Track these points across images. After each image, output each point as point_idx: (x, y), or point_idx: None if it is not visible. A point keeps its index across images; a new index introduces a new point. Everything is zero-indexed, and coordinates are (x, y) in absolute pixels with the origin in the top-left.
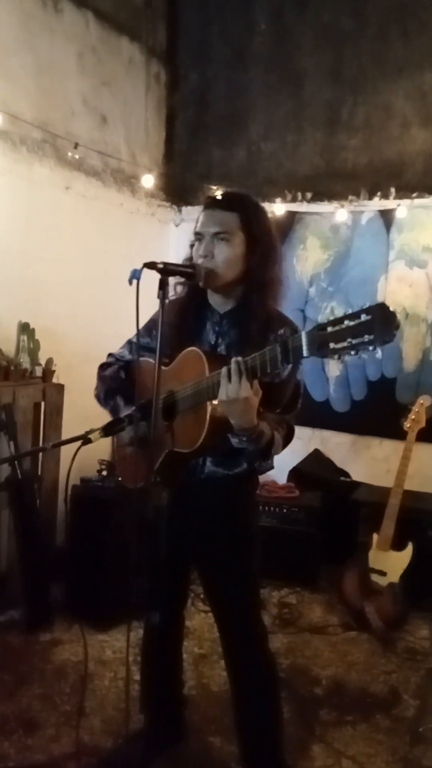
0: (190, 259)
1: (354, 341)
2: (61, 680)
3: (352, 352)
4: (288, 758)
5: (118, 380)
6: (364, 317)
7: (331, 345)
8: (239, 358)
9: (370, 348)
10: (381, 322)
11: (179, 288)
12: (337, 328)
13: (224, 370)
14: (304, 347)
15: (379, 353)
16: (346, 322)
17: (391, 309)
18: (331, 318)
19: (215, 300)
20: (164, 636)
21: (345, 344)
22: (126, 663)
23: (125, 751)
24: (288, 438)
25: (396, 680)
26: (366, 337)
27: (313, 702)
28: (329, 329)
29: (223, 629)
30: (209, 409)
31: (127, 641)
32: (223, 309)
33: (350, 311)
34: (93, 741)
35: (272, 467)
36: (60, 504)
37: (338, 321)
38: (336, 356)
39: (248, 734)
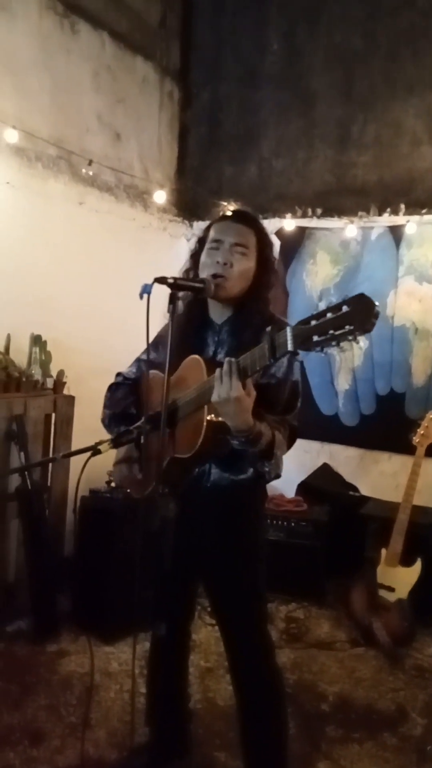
0: (189, 269)
1: (336, 332)
2: (67, 691)
3: (334, 343)
4: None
5: (121, 405)
6: (345, 308)
7: (315, 338)
8: (231, 359)
9: (350, 338)
10: (361, 312)
11: (180, 303)
12: (320, 321)
13: (217, 372)
14: (289, 342)
15: (362, 343)
16: (329, 315)
17: (372, 299)
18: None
19: (214, 311)
20: (171, 649)
21: (327, 336)
22: (132, 675)
23: (130, 764)
24: (292, 438)
25: (403, 698)
26: (347, 327)
27: (320, 718)
28: (313, 323)
29: (229, 643)
30: (206, 412)
31: (133, 653)
32: (221, 319)
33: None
34: (98, 753)
35: (279, 475)
36: (69, 515)
37: (321, 314)
38: (319, 349)
39: (253, 749)
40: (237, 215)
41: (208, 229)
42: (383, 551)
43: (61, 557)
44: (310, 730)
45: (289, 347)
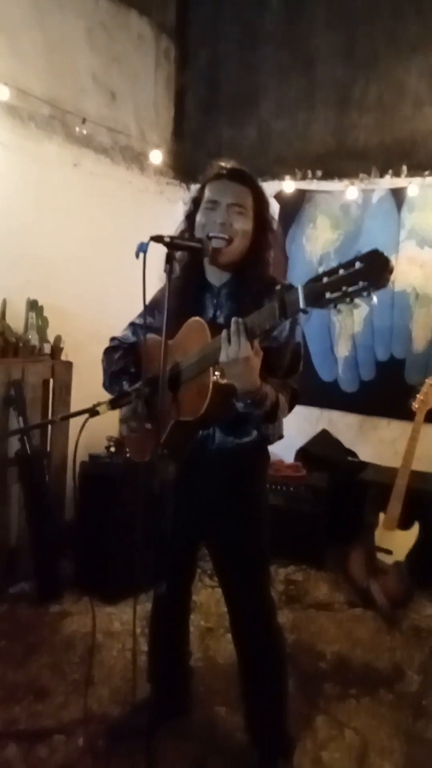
0: (185, 231)
1: (349, 289)
2: (70, 651)
3: (347, 300)
4: (292, 729)
5: (120, 363)
6: (358, 265)
7: (327, 295)
8: (239, 318)
9: (365, 294)
10: (375, 268)
11: (176, 266)
12: (332, 278)
13: (224, 332)
14: (301, 300)
15: (374, 299)
16: (341, 272)
17: (385, 254)
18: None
19: (212, 273)
20: (171, 608)
21: (340, 293)
22: (133, 634)
23: (132, 719)
24: (293, 400)
25: (400, 657)
26: (360, 284)
27: (318, 676)
28: (325, 280)
29: (232, 605)
30: (212, 374)
31: (134, 613)
32: (220, 282)
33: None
34: (101, 709)
35: (282, 436)
36: (69, 480)
37: (333, 271)
38: (332, 306)
39: (255, 707)
40: (232, 173)
41: (202, 188)
42: (381, 515)
43: (62, 521)
44: (308, 687)
45: (301, 305)
